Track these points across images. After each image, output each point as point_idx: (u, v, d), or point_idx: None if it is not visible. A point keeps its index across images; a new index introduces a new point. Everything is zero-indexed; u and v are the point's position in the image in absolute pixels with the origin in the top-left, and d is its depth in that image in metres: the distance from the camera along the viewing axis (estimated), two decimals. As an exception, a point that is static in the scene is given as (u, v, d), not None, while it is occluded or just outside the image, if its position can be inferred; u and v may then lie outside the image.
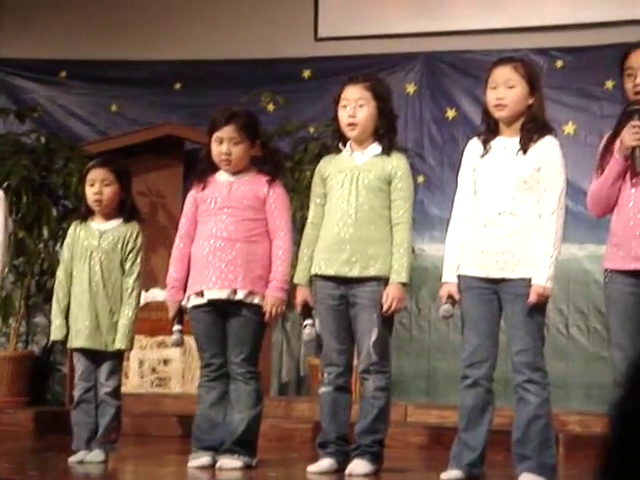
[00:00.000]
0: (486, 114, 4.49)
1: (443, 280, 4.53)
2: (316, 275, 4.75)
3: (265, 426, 5.22)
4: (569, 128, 7.10)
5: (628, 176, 4.24)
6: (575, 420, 6.04)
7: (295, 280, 4.85)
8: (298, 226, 5.87)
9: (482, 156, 4.47)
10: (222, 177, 4.96)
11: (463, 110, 7.34)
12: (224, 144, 4.86)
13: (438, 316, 7.43)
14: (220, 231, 4.87)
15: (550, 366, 4.50)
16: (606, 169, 4.29)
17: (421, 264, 6.86)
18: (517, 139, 4.42)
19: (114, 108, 7.95)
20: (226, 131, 4.85)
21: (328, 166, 4.81)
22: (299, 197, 6.53)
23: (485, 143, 4.47)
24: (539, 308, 4.35)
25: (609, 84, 6.99)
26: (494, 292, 4.40)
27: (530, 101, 4.41)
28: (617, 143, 4.26)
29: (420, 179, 7.19)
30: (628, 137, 4.19)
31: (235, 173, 4.93)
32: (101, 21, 8.00)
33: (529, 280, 4.32)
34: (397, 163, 4.71)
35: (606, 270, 4.31)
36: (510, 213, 4.38)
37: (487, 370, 4.41)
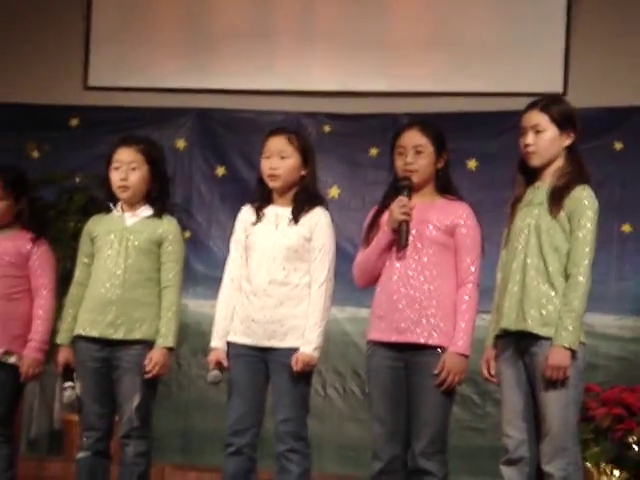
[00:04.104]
0: (260, 182, 4.52)
1: (212, 346, 4.49)
2: (80, 336, 4.63)
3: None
4: (333, 192, 7.25)
5: (394, 250, 4.33)
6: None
7: (58, 340, 4.70)
8: (59, 276, 5.72)
9: (254, 223, 4.49)
10: (-19, 233, 4.79)
11: (232, 168, 7.37)
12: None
13: (198, 373, 7.31)
14: (-22, 288, 4.70)
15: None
16: (374, 241, 4.36)
17: (183, 320, 6.74)
18: (289, 209, 4.46)
19: None
20: None
21: (97, 226, 4.72)
22: (62, 247, 6.37)
23: (258, 211, 4.50)
24: (305, 377, 4.37)
25: (373, 151, 7.18)
26: (262, 360, 4.40)
27: (303, 172, 4.48)
28: (386, 216, 4.36)
29: (187, 234, 7.15)
30: (396, 211, 4.29)
31: (-4, 229, 4.78)
32: None
33: (297, 349, 4.35)
34: (168, 227, 4.67)
35: (369, 342, 4.38)
36: (280, 282, 4.40)
37: (251, 438, 4.39)
